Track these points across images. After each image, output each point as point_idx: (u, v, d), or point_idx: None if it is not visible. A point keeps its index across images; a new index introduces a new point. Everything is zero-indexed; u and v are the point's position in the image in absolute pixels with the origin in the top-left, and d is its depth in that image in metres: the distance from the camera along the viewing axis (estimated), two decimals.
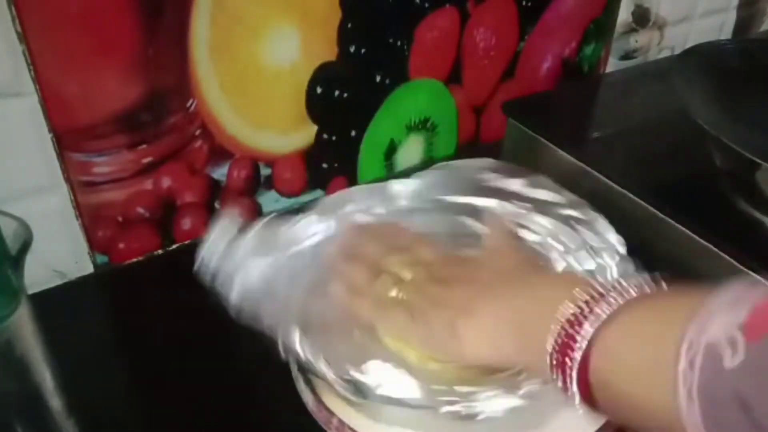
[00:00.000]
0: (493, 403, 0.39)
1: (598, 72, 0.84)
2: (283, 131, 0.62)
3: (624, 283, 0.34)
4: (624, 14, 0.81)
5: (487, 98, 0.75)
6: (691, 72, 0.66)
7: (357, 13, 0.60)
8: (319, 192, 0.67)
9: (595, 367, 0.33)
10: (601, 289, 0.35)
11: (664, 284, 0.35)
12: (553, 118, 0.75)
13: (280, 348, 0.43)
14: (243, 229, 0.48)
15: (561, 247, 0.51)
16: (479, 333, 0.39)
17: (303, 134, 0.64)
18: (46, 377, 0.37)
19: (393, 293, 0.44)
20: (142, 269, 0.59)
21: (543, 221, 0.52)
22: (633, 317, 0.33)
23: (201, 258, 0.46)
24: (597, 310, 0.34)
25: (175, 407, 0.47)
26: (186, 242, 0.62)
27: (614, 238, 0.51)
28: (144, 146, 0.55)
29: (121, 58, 0.51)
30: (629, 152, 0.70)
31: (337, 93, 0.63)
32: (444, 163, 0.60)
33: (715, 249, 0.54)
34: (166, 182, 0.58)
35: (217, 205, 0.62)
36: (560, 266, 0.49)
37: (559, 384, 0.35)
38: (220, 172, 0.60)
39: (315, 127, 0.64)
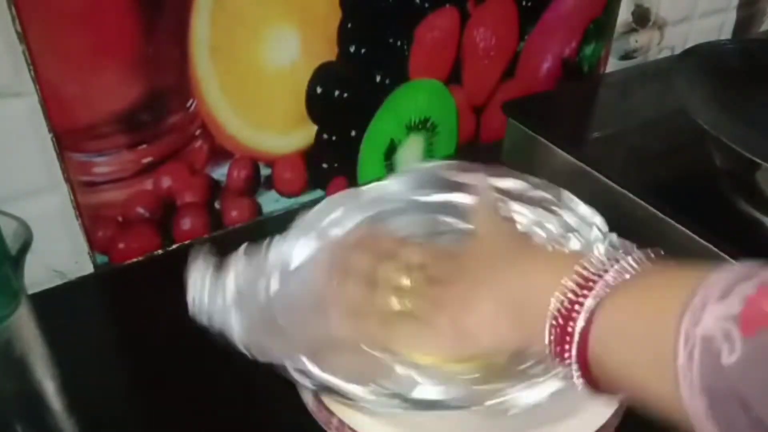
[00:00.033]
0: (525, 395, 0.40)
1: (598, 72, 0.84)
2: (283, 131, 0.62)
3: (619, 262, 0.34)
4: (624, 14, 0.81)
5: (487, 98, 0.75)
6: (691, 72, 0.66)
7: (357, 13, 0.60)
8: (319, 192, 0.67)
9: (593, 353, 0.33)
10: (595, 269, 0.34)
11: (653, 260, 0.35)
12: (553, 118, 0.75)
13: (299, 379, 0.42)
14: (222, 263, 0.46)
15: (544, 234, 0.51)
16: (483, 325, 0.39)
17: (303, 134, 0.64)
18: (46, 377, 0.37)
19: (394, 303, 0.44)
20: (142, 269, 0.59)
21: (521, 209, 0.53)
22: (628, 300, 0.33)
23: (191, 303, 0.45)
24: (594, 290, 0.33)
25: (175, 407, 0.47)
26: (186, 242, 0.62)
27: (587, 211, 0.51)
28: (144, 146, 0.55)
29: (121, 57, 0.51)
30: (629, 152, 0.70)
31: (337, 93, 0.63)
32: (409, 166, 0.60)
33: (715, 249, 0.54)
34: (166, 182, 0.58)
35: (217, 205, 0.62)
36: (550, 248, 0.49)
37: (559, 361, 0.35)
38: (220, 172, 0.60)
39: (315, 127, 0.64)
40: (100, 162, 0.54)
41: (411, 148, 0.71)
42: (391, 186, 0.56)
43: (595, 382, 0.34)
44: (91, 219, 0.56)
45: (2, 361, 0.35)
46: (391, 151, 0.70)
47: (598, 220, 0.51)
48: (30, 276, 0.35)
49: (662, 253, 0.35)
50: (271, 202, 0.65)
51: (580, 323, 0.33)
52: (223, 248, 0.64)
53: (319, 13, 0.59)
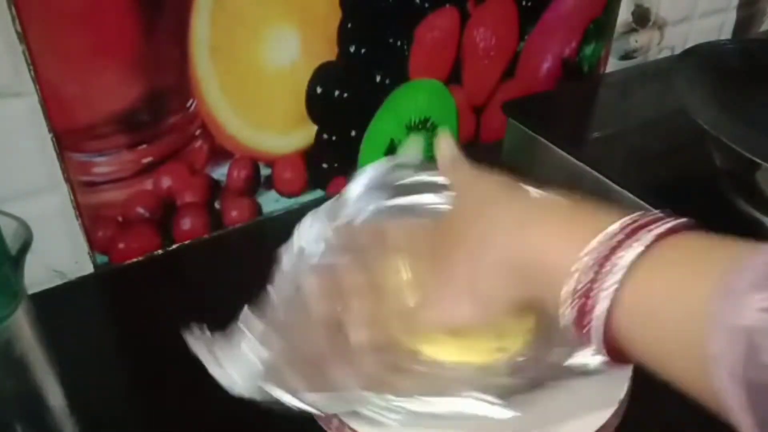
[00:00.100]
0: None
1: (598, 72, 0.84)
2: (283, 131, 0.62)
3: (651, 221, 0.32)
4: (624, 14, 0.81)
5: (487, 98, 0.75)
6: (691, 72, 0.66)
7: (357, 13, 0.60)
8: (319, 192, 0.67)
9: (617, 326, 0.32)
10: (626, 225, 0.32)
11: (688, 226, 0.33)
12: (553, 118, 0.75)
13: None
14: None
15: None
16: (496, 287, 0.39)
17: (303, 134, 0.64)
18: (46, 377, 0.37)
19: (408, 299, 0.44)
20: (142, 269, 0.59)
21: None
22: (655, 273, 0.31)
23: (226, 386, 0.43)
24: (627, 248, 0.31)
25: (175, 407, 0.47)
26: (186, 242, 0.62)
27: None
28: (144, 146, 0.55)
29: (121, 57, 0.51)
30: (629, 152, 0.70)
31: (337, 93, 0.63)
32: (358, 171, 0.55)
33: None
34: (166, 182, 0.58)
35: (217, 205, 0.62)
36: None
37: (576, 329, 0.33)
38: (220, 172, 0.60)
39: (315, 127, 0.64)
40: (100, 162, 0.54)
41: (411, 148, 0.71)
42: (353, 194, 0.51)
43: (614, 351, 0.33)
44: (91, 219, 0.56)
45: (2, 361, 0.35)
46: (391, 151, 0.70)
47: None
48: (30, 276, 0.35)
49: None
50: (271, 202, 0.65)
51: (611, 285, 0.31)
52: (223, 248, 0.64)
53: (319, 13, 0.59)
